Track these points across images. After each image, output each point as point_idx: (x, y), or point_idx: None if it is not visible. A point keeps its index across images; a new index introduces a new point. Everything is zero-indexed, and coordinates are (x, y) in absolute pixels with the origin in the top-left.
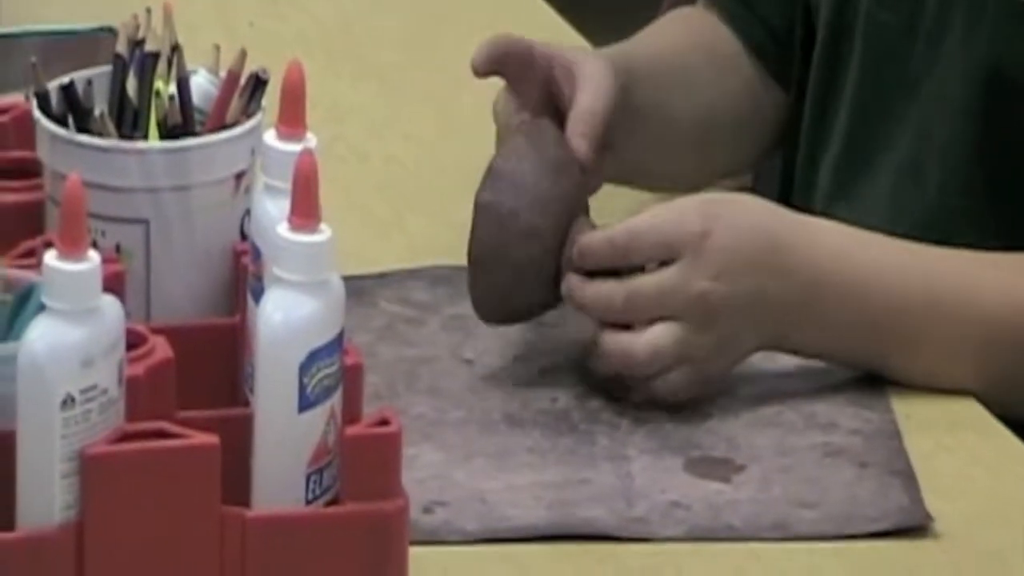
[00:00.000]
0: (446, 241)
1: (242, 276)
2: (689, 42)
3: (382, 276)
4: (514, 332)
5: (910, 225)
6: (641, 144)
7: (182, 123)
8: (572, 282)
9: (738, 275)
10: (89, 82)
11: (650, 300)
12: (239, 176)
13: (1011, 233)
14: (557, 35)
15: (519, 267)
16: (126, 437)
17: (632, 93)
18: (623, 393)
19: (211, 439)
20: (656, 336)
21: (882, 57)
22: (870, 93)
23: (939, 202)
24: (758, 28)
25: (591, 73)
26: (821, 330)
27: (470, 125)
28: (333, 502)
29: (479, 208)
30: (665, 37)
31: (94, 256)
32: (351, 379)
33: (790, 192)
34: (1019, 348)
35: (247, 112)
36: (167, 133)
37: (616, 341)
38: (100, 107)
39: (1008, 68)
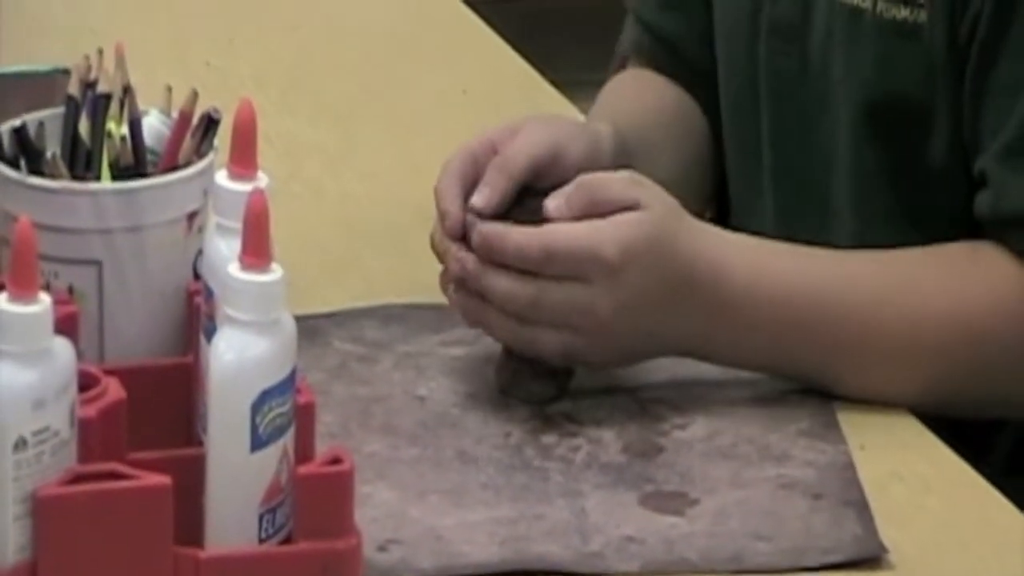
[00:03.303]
0: (403, 278)
1: (195, 316)
2: (640, 110)
3: (335, 315)
4: (467, 369)
5: None
6: None
7: (134, 164)
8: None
9: (644, 312)
10: (41, 124)
11: (554, 310)
12: (191, 216)
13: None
14: (512, 71)
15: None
16: (78, 479)
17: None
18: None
19: (163, 480)
20: (549, 337)
21: (785, 98)
22: (784, 135)
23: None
24: (684, 69)
25: (526, 128)
26: (732, 350)
27: (426, 162)
28: (286, 541)
29: None
30: (616, 111)
31: (45, 298)
32: (303, 418)
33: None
34: (962, 348)
35: (199, 152)
36: (119, 174)
37: (513, 331)
38: (52, 149)
39: (892, 88)
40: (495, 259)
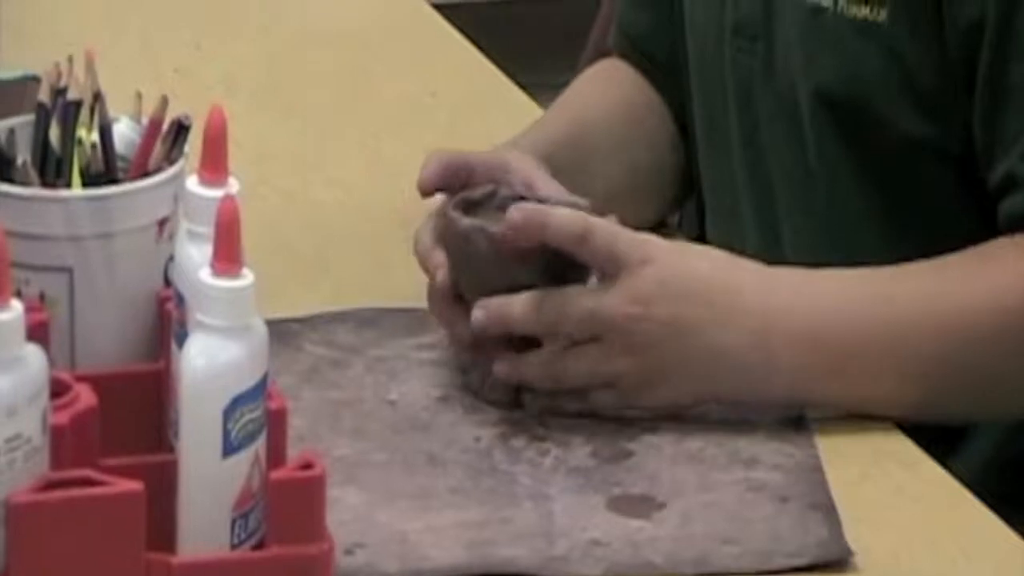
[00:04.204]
0: (374, 283)
1: (166, 322)
2: (607, 103)
3: (307, 319)
4: (437, 373)
5: None
6: None
7: (105, 171)
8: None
9: (666, 304)
10: (12, 131)
11: (578, 314)
12: (162, 222)
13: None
14: (481, 75)
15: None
16: (51, 485)
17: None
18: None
19: (136, 486)
20: (574, 353)
21: (751, 97)
22: (754, 133)
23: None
24: (652, 67)
25: (519, 163)
26: (770, 375)
27: (396, 167)
28: (258, 546)
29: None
30: (584, 102)
31: (17, 305)
32: (275, 423)
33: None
34: (969, 359)
35: (169, 158)
36: (90, 181)
37: (536, 355)
38: (23, 156)
39: (852, 86)
40: (537, 234)
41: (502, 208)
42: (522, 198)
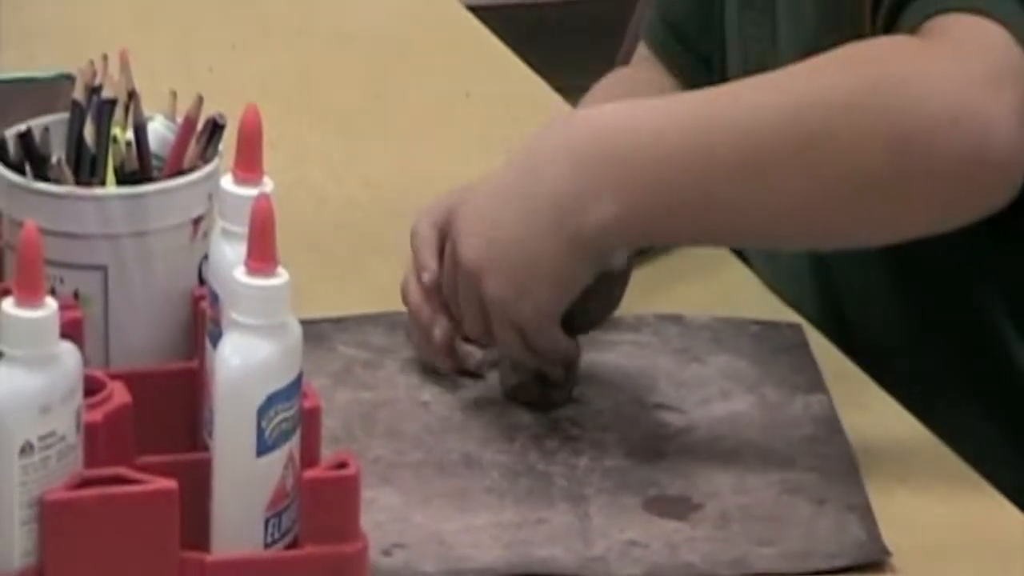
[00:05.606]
0: None
1: (201, 321)
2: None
3: (340, 321)
4: (471, 374)
5: None
6: None
7: (139, 169)
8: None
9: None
10: (47, 129)
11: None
12: (197, 221)
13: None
14: (515, 76)
15: None
16: (85, 483)
17: None
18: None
19: (170, 484)
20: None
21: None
22: None
23: None
24: (695, 64)
25: None
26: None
27: (429, 168)
28: (292, 545)
29: None
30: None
31: (51, 303)
32: (309, 422)
33: None
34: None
35: (204, 157)
36: (124, 179)
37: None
38: (58, 154)
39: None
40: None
41: None
42: None
